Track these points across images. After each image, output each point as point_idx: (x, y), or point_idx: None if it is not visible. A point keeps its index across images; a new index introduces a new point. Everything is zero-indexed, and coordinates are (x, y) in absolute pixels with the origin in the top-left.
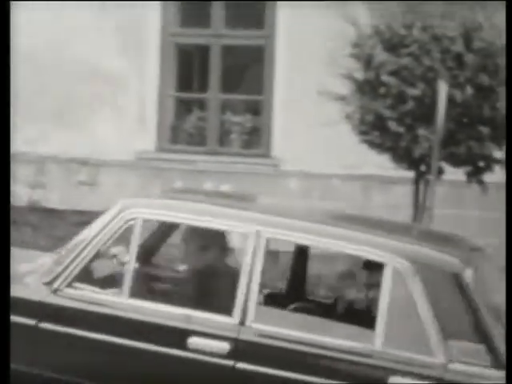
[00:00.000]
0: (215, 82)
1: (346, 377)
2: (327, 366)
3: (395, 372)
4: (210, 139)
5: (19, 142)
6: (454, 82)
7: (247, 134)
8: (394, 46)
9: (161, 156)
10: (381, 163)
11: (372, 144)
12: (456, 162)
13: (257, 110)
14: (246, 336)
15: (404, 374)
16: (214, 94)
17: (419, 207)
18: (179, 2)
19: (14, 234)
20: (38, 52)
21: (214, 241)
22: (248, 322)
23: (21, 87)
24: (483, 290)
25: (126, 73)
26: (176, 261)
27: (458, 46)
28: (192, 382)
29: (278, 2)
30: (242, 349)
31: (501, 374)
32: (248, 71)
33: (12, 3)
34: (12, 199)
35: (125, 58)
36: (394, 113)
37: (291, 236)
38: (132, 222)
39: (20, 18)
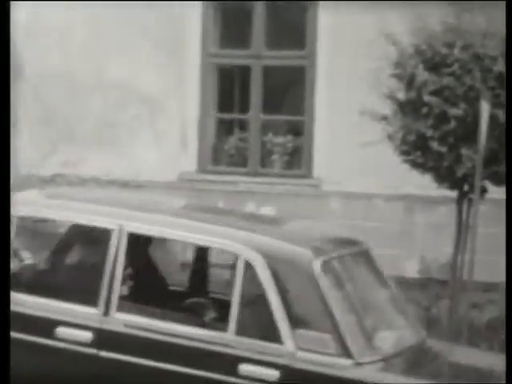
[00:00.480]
0: (256, 102)
1: (200, 365)
2: (183, 354)
3: (246, 360)
4: (252, 160)
5: (59, 164)
6: (496, 101)
7: (289, 154)
8: (435, 65)
9: (202, 177)
10: (423, 183)
11: (414, 164)
12: (499, 180)
13: (298, 130)
14: (108, 326)
15: (254, 362)
16: (255, 115)
17: (462, 226)
18: (219, 22)
19: None
20: (76, 74)
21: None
22: (111, 313)
23: (59, 110)
24: (340, 281)
25: (166, 94)
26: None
27: (500, 66)
28: (60, 369)
29: (319, 23)
30: (104, 338)
31: (347, 363)
32: (289, 92)
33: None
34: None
35: (165, 79)
36: (436, 132)
37: (151, 230)
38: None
39: (52, 36)
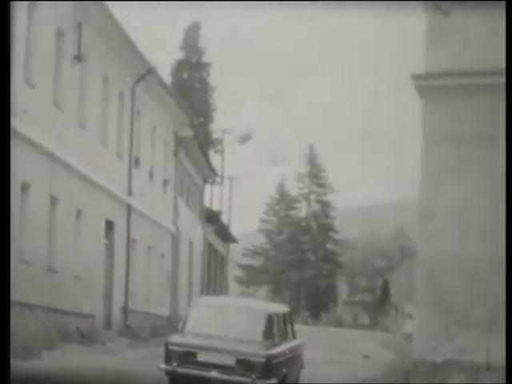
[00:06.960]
0: None
1: None
2: None
3: None
4: None
5: (452, 351)
6: None
7: None
8: None
9: None
10: None
11: None
12: None
13: None
14: None
15: None
16: None
17: None
18: None
19: None
20: (471, 256)
21: None
22: None
23: (454, 295)
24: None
25: None
26: None
27: None
28: None
29: None
30: None
31: None
32: None
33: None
34: None
35: None
36: None
37: None
38: None
39: (448, 217)
